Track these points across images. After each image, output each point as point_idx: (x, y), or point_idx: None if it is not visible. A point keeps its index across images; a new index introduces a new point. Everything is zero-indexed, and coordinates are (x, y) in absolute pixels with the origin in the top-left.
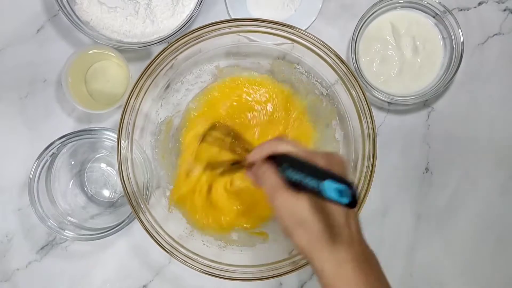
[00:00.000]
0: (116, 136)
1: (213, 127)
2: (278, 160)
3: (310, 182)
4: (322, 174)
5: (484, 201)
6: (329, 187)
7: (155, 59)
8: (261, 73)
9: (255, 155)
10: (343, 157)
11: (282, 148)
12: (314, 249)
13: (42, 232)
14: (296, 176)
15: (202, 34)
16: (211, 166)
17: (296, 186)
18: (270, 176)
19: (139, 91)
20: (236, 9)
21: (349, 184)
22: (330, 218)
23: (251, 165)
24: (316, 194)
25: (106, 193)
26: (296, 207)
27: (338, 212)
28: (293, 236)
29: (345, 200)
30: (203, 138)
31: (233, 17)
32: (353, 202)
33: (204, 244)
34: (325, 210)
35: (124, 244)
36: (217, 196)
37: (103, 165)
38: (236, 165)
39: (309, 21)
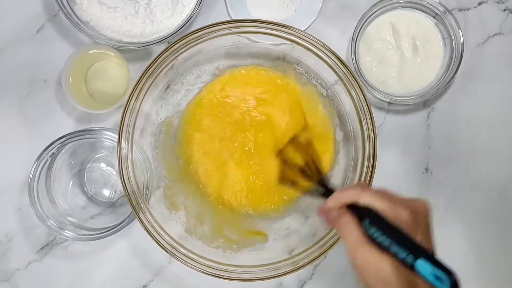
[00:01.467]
0: (116, 136)
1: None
2: (360, 211)
3: (400, 253)
4: (415, 250)
5: (484, 201)
6: (424, 268)
7: (155, 59)
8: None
9: (334, 202)
10: (427, 204)
11: (365, 199)
12: None
13: (42, 232)
14: (382, 238)
15: (202, 35)
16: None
17: (378, 245)
18: (352, 230)
19: (139, 91)
20: (236, 9)
21: (449, 272)
22: (414, 283)
23: (328, 210)
24: (403, 264)
25: (106, 193)
26: (381, 266)
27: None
28: None
29: (443, 286)
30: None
31: (233, 17)
32: None
33: (204, 243)
34: (409, 274)
35: (124, 244)
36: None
37: (103, 165)
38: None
39: (309, 21)
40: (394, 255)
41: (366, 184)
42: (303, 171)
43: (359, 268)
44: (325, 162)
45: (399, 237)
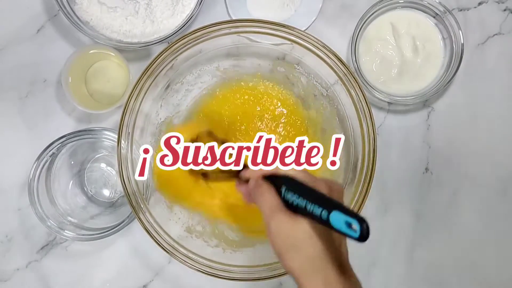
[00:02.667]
0: (116, 136)
1: (207, 133)
2: (277, 181)
3: (315, 209)
4: (329, 203)
5: (484, 201)
6: (338, 219)
7: (155, 59)
8: (262, 73)
9: (253, 172)
10: (342, 186)
11: (284, 170)
12: (306, 274)
13: (42, 232)
14: (298, 200)
15: (202, 34)
16: (197, 171)
17: (295, 210)
18: (269, 196)
19: (139, 91)
20: (236, 9)
21: (360, 218)
22: (328, 244)
23: (244, 180)
24: (318, 221)
25: (106, 193)
26: (293, 230)
27: (335, 238)
28: (285, 258)
29: (355, 234)
30: (195, 140)
31: (233, 17)
32: (364, 237)
33: (205, 241)
34: (322, 235)
35: (124, 244)
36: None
37: (103, 165)
38: (227, 174)
39: (309, 21)
40: (310, 214)
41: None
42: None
43: (273, 235)
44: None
45: (315, 195)
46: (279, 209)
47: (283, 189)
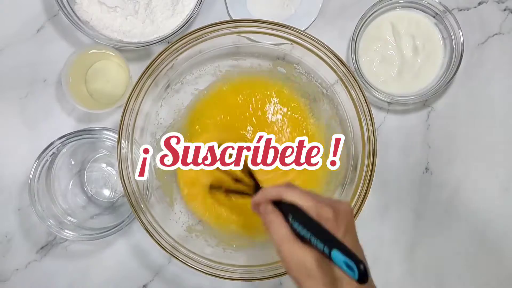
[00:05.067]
0: (116, 136)
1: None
2: (285, 207)
3: (318, 244)
4: (330, 241)
5: (484, 201)
6: (338, 258)
7: (155, 59)
8: (262, 73)
9: (260, 198)
10: (349, 205)
11: (289, 196)
12: None
13: (42, 232)
14: (304, 232)
15: (202, 34)
16: (214, 188)
17: (302, 238)
18: (278, 225)
19: (139, 91)
20: (236, 9)
21: (358, 261)
22: (335, 272)
23: (257, 204)
24: (322, 254)
25: (106, 193)
26: (304, 259)
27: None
28: (305, 286)
29: (355, 275)
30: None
31: (233, 17)
32: (363, 279)
33: (206, 241)
34: (329, 266)
35: (124, 244)
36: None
37: (103, 165)
38: (240, 194)
39: (309, 21)
40: (315, 247)
41: (293, 184)
42: (236, 180)
43: (286, 263)
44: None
45: (318, 230)
46: (288, 239)
47: (290, 217)
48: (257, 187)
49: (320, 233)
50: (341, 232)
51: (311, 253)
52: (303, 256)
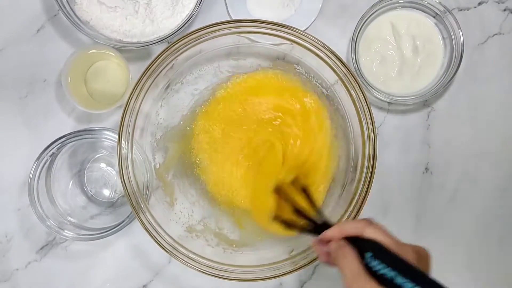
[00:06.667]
0: (116, 136)
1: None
2: (360, 244)
3: (406, 284)
4: (424, 281)
5: (484, 201)
6: None
7: (155, 59)
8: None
9: (336, 232)
10: (428, 252)
11: (370, 233)
12: None
13: (42, 232)
14: (385, 271)
15: (202, 35)
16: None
17: (377, 278)
18: (352, 260)
19: (139, 91)
20: (236, 9)
21: None
22: None
23: (325, 241)
24: None
25: (106, 193)
26: None
27: None
28: None
29: None
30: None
31: (233, 17)
32: None
33: (206, 241)
34: None
35: (124, 244)
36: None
37: (103, 165)
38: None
39: (309, 21)
40: (398, 287)
41: (373, 220)
42: (297, 211)
43: None
44: (317, 195)
45: (407, 268)
46: (362, 277)
47: (368, 255)
48: (323, 227)
49: (409, 272)
50: None
51: None
52: None
